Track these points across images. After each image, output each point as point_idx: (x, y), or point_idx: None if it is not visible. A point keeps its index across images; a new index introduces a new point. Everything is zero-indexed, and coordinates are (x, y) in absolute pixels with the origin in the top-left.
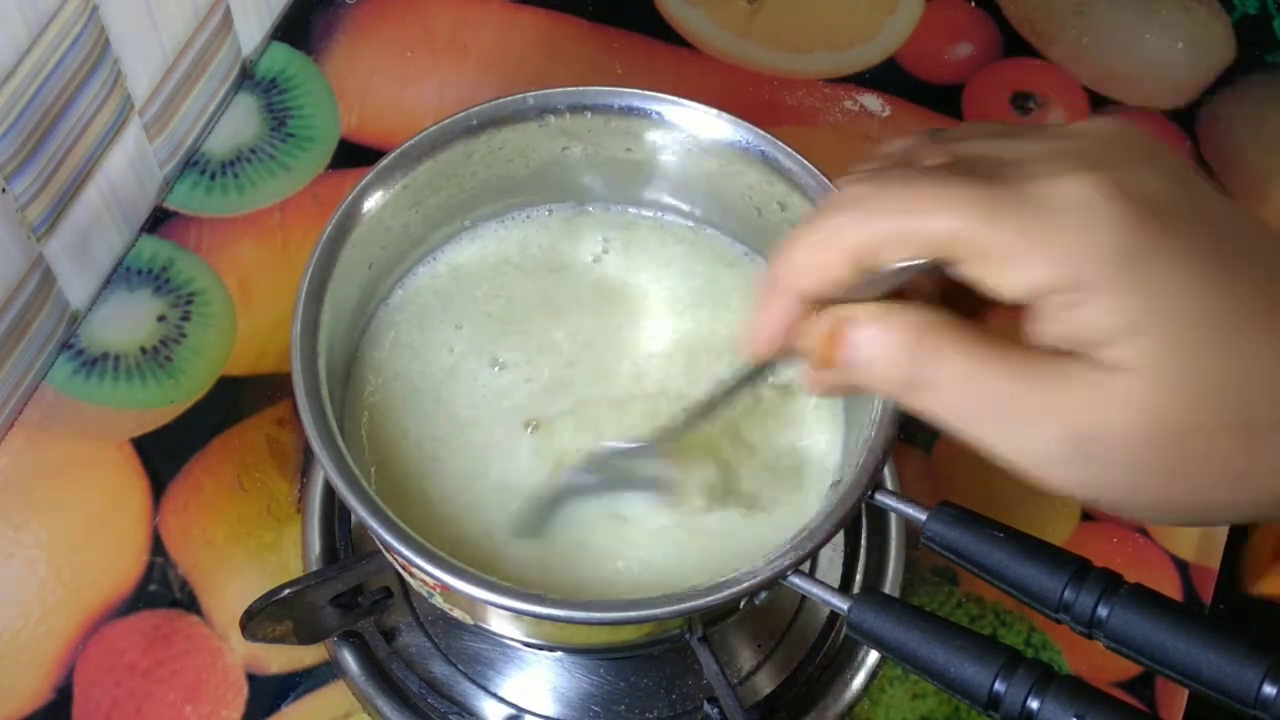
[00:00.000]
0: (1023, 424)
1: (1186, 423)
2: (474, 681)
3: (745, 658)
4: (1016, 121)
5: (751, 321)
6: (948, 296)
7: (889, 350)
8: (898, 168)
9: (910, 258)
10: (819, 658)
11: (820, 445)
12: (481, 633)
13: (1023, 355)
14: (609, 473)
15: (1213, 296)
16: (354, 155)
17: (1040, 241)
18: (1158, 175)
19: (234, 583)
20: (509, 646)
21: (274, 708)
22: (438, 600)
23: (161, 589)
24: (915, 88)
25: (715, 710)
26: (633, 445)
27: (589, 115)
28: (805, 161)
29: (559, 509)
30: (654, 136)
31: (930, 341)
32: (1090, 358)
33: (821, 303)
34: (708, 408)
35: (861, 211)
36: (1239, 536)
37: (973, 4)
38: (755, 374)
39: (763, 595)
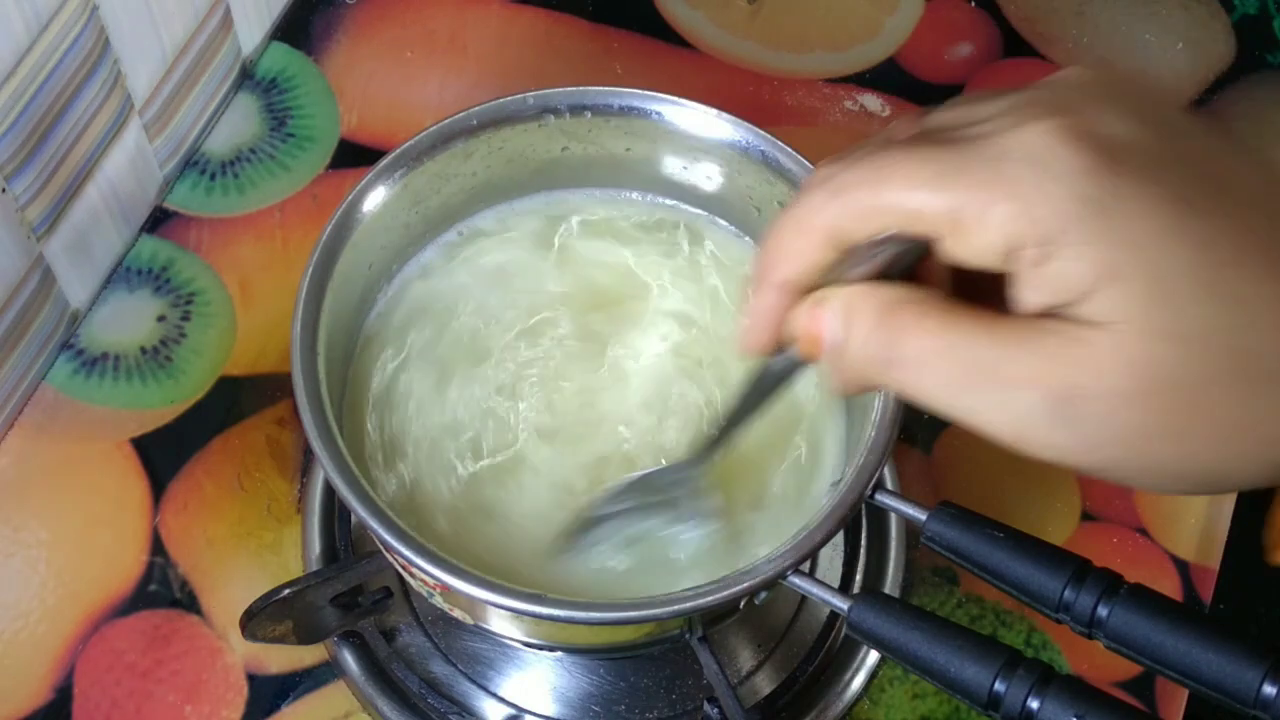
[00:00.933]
0: (1003, 391)
1: (1177, 374)
2: (474, 681)
3: (745, 658)
4: None
5: (744, 317)
6: (957, 284)
7: (857, 330)
8: (870, 146)
9: (880, 232)
10: (819, 658)
11: (820, 445)
12: (481, 633)
13: (1001, 322)
14: (644, 497)
15: (1192, 241)
16: (354, 155)
17: (999, 195)
18: (1123, 116)
19: (234, 583)
20: (509, 646)
21: (274, 708)
22: (438, 600)
23: (161, 589)
24: (915, 88)
25: (715, 710)
26: (665, 468)
27: (589, 115)
28: (805, 161)
29: (592, 533)
30: (654, 136)
31: (897, 318)
32: (1071, 315)
33: (808, 290)
34: (735, 417)
35: (829, 189)
36: (1250, 513)
37: (973, 4)
38: (771, 376)
39: (763, 595)
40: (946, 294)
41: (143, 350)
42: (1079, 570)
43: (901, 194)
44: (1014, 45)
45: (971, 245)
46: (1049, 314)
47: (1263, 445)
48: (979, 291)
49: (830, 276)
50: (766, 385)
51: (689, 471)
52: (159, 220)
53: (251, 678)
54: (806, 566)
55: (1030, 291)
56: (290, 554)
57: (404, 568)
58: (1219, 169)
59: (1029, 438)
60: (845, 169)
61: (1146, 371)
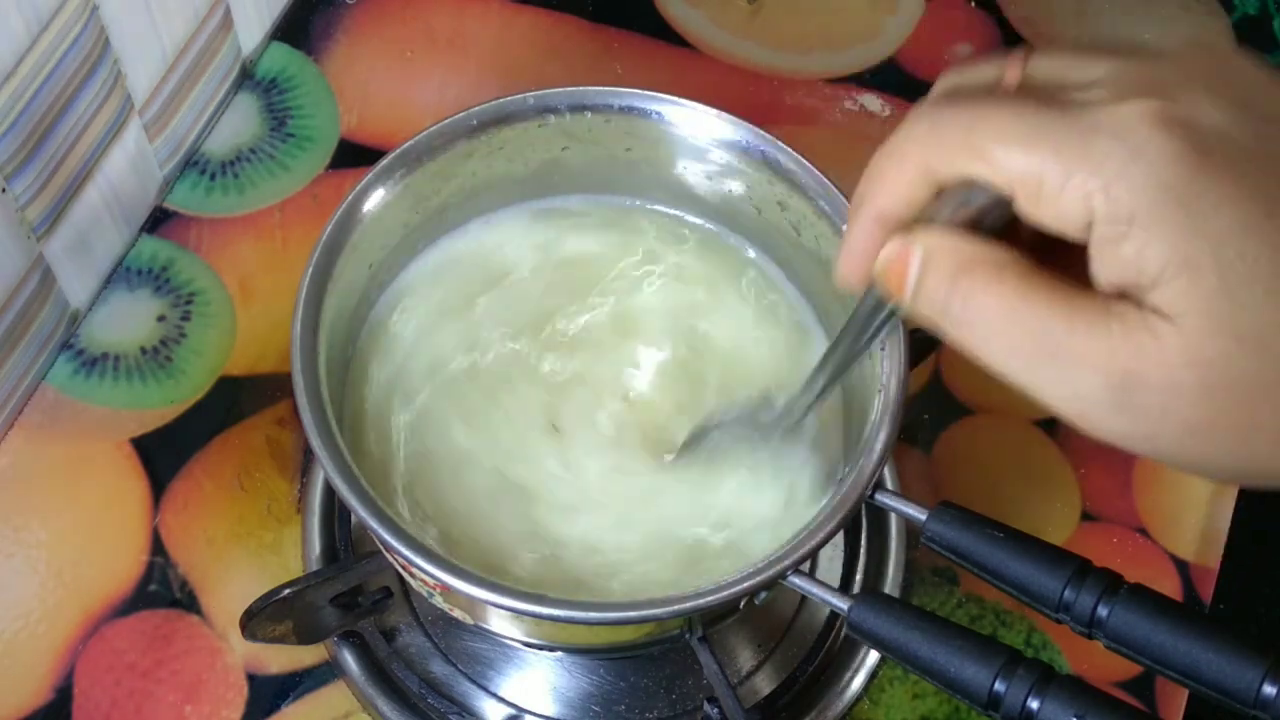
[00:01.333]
0: (1065, 368)
1: (1239, 374)
2: (474, 681)
3: (745, 658)
4: None
5: (840, 249)
6: (1044, 249)
7: (930, 278)
8: (973, 92)
9: (966, 175)
10: (819, 658)
11: (820, 445)
12: (481, 633)
13: (1074, 297)
14: (747, 421)
15: (1268, 242)
16: (354, 155)
17: (1082, 167)
18: (1221, 105)
19: (234, 583)
20: (509, 646)
21: (274, 708)
22: (438, 600)
23: (161, 589)
24: (915, 88)
25: (715, 710)
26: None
27: (589, 115)
28: (805, 161)
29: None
30: (654, 136)
31: (971, 275)
32: (1142, 300)
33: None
34: (830, 359)
35: (927, 122)
36: (1250, 513)
37: (973, 4)
38: (860, 318)
39: (763, 595)
40: (1028, 257)
41: (143, 350)
42: (1079, 570)
43: (991, 143)
44: (1014, 45)
45: (1049, 210)
46: (1121, 295)
47: None
48: (1062, 259)
49: (923, 215)
50: (856, 326)
51: (791, 406)
52: (159, 220)
53: (251, 678)
54: (806, 566)
55: (1103, 268)
56: (290, 554)
57: (404, 568)
58: None
59: (1088, 417)
60: (946, 107)
61: (1209, 368)
